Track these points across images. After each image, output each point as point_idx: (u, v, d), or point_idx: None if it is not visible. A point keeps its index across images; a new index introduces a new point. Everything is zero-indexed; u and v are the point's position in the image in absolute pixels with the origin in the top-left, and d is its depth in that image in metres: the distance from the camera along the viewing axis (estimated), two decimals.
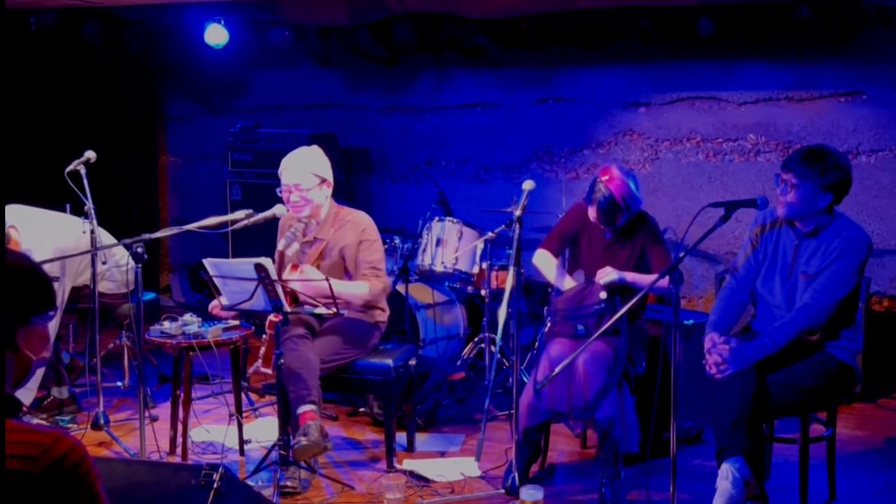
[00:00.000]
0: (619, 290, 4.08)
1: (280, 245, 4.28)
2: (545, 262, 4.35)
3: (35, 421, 4.84)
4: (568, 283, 4.28)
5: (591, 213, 4.18)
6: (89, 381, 4.79)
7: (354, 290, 4.23)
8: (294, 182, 4.30)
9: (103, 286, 4.95)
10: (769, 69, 6.16)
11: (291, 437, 4.08)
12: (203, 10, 6.55)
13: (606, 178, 4.09)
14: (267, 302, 3.99)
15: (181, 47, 7.26)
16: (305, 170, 4.31)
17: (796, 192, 3.61)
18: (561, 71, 6.70)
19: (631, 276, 4.12)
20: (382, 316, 4.49)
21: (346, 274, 4.35)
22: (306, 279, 4.12)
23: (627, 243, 4.24)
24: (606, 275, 4.07)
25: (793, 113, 6.13)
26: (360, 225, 4.38)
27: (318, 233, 4.38)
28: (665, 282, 3.75)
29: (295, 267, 4.35)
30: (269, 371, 4.26)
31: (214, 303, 4.25)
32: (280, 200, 4.42)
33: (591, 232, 4.31)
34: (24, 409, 4.92)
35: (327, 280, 3.96)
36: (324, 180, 4.35)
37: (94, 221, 4.62)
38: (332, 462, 4.47)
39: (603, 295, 3.97)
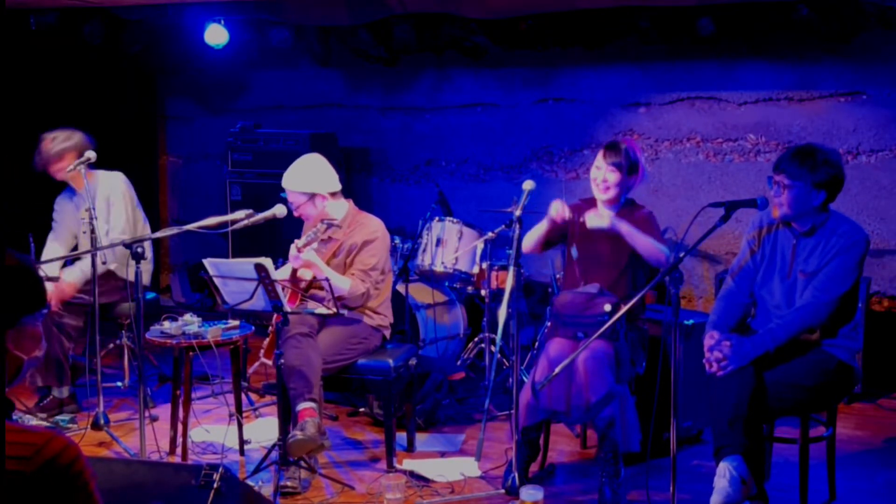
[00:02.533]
0: (622, 296, 4.09)
1: (300, 242, 4.29)
2: (531, 233, 4.28)
3: (34, 421, 4.84)
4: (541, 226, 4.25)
5: (598, 157, 4.22)
6: (89, 381, 4.79)
7: (339, 281, 4.29)
8: (288, 198, 4.46)
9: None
10: (769, 69, 6.16)
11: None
12: (203, 10, 6.55)
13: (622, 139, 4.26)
14: (267, 302, 4.00)
15: (181, 47, 7.26)
16: (294, 187, 4.45)
17: (789, 192, 3.62)
18: (561, 71, 6.70)
19: (624, 227, 4.08)
20: (384, 321, 4.52)
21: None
22: (305, 262, 4.24)
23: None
24: (599, 217, 4.08)
25: (793, 113, 6.13)
26: (369, 227, 4.46)
27: (334, 234, 4.46)
28: (658, 251, 3.93)
29: (295, 271, 4.39)
30: (269, 362, 4.29)
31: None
32: (281, 200, 4.44)
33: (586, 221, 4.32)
34: (24, 408, 4.92)
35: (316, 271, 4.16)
36: (313, 195, 4.42)
37: (95, 221, 4.63)
38: (332, 462, 4.47)
39: (608, 308, 3.96)
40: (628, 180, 4.21)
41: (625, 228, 4.07)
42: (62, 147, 4.91)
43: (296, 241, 4.34)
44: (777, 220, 3.76)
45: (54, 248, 5.14)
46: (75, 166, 4.79)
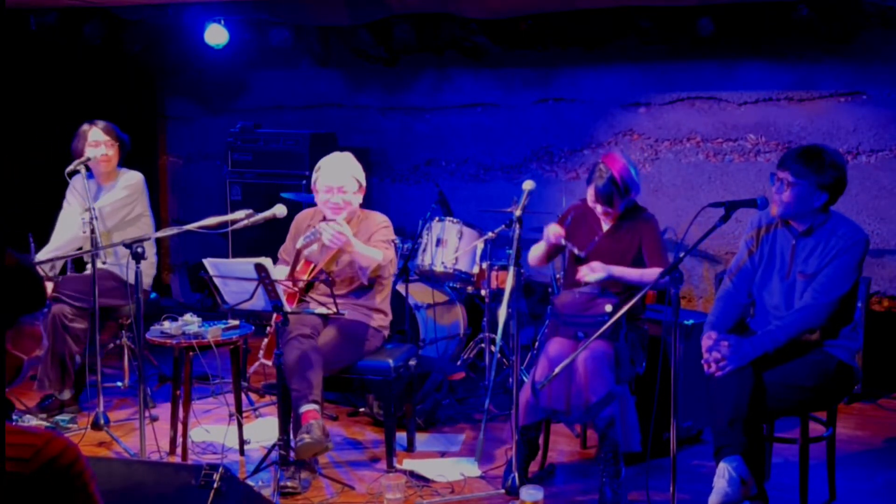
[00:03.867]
0: (622, 296, 4.09)
1: (299, 243, 4.30)
2: (534, 250, 4.36)
3: (34, 421, 4.84)
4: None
5: (590, 194, 4.22)
6: (89, 381, 4.78)
7: (371, 252, 4.31)
8: (339, 184, 4.37)
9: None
10: (769, 69, 6.16)
11: (292, 437, 4.09)
12: (203, 10, 6.55)
13: (608, 161, 4.19)
14: (267, 302, 4.00)
15: (181, 47, 7.26)
16: (348, 173, 4.41)
17: (792, 189, 3.62)
18: (561, 71, 6.70)
19: (618, 271, 4.12)
20: (385, 321, 4.51)
21: (362, 270, 4.40)
22: (336, 233, 4.18)
23: (626, 236, 4.25)
24: (593, 272, 4.08)
25: (793, 113, 6.13)
26: (376, 219, 4.51)
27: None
28: (656, 275, 3.84)
29: (308, 264, 4.38)
30: (268, 362, 4.29)
31: None
32: (281, 200, 4.43)
33: (590, 225, 4.33)
34: (24, 408, 4.92)
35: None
36: (361, 185, 4.46)
37: (95, 221, 4.63)
38: (332, 462, 4.47)
39: (608, 308, 3.96)
40: (623, 201, 4.22)
41: (617, 272, 4.12)
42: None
43: (300, 248, 4.31)
44: (776, 218, 3.76)
45: (59, 236, 5.12)
46: (74, 166, 4.82)
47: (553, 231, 4.24)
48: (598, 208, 4.24)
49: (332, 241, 4.15)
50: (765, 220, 3.83)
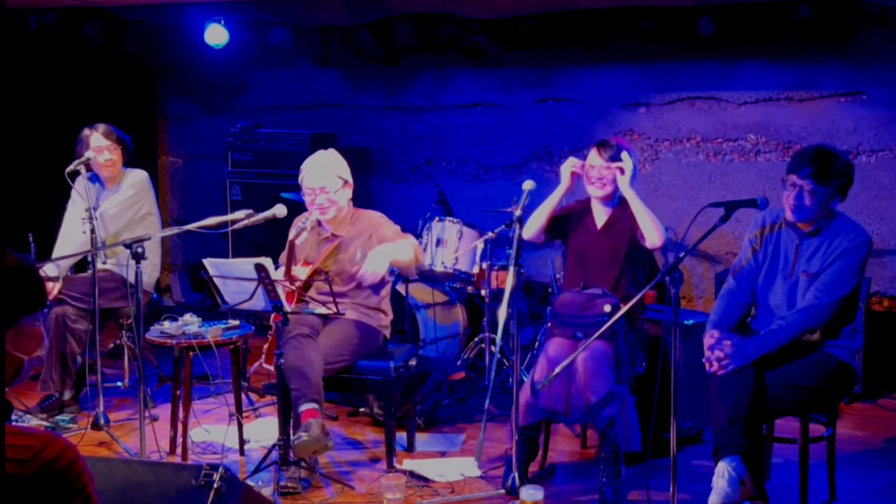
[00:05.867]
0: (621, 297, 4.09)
1: (291, 235, 4.30)
2: (539, 210, 4.34)
3: (34, 421, 4.84)
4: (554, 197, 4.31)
5: (593, 152, 4.24)
6: (89, 381, 4.78)
7: (402, 247, 4.31)
8: (319, 185, 4.36)
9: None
10: (769, 69, 6.16)
11: (291, 437, 4.09)
12: (203, 10, 6.55)
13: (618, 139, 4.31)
14: (267, 302, 4.00)
15: (181, 47, 7.26)
16: (329, 172, 4.38)
17: (815, 197, 3.59)
18: (561, 71, 6.70)
19: (635, 197, 4.14)
20: (385, 320, 4.51)
21: (416, 267, 4.45)
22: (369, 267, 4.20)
23: (618, 230, 4.26)
24: (622, 175, 4.15)
25: (793, 113, 6.13)
26: (373, 217, 4.51)
27: (336, 230, 4.45)
28: (660, 232, 4.03)
29: (306, 263, 4.38)
30: (271, 367, 4.29)
31: None
32: (281, 200, 4.43)
33: (586, 222, 4.34)
34: (24, 408, 4.93)
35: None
36: (346, 182, 4.44)
37: (95, 221, 4.63)
38: (332, 462, 4.47)
39: (607, 308, 3.97)
40: (619, 165, 4.23)
41: (634, 197, 4.13)
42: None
43: (292, 240, 4.31)
44: (793, 221, 3.73)
45: (67, 237, 5.10)
46: (74, 166, 4.82)
47: (573, 162, 4.25)
48: (598, 167, 4.21)
49: (374, 276, 4.21)
50: (769, 219, 3.83)
